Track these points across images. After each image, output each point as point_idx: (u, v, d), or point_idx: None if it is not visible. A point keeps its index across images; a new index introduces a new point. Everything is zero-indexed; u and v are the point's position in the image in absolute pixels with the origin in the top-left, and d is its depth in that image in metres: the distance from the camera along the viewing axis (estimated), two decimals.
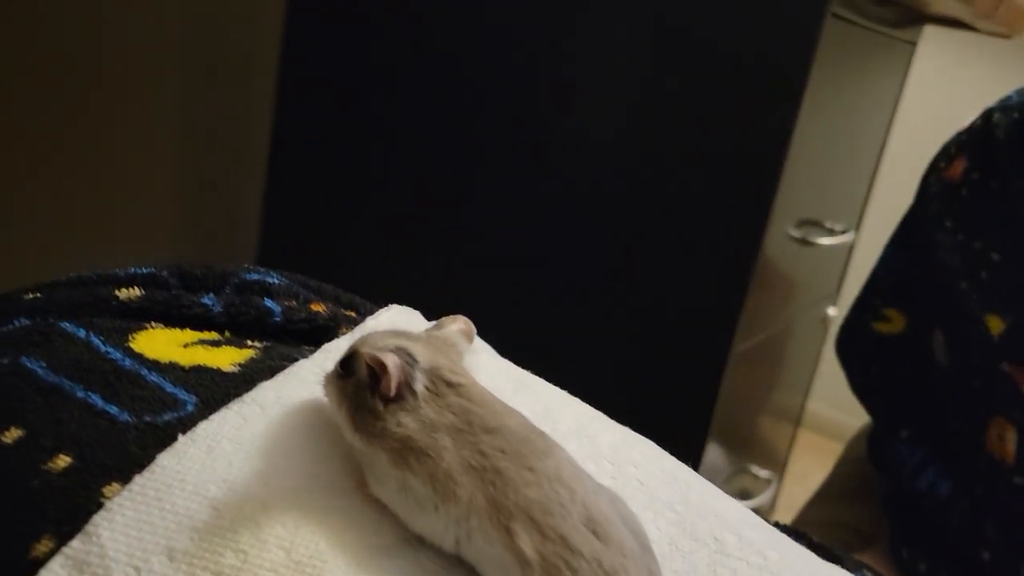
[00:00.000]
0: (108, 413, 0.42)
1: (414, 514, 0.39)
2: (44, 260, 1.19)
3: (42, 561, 0.37)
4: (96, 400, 0.42)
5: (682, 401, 1.15)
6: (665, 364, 1.15)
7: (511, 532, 0.37)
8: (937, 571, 0.81)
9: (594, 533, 0.37)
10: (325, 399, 0.42)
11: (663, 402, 1.14)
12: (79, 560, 0.37)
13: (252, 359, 0.47)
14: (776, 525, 0.76)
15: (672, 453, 0.51)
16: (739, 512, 0.49)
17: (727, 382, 1.13)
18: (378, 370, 0.39)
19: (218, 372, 0.45)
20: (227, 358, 0.47)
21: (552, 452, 0.40)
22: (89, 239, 1.25)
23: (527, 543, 0.37)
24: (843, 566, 0.76)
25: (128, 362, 0.44)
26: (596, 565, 0.37)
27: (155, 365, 0.45)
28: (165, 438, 0.41)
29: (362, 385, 0.40)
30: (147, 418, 0.42)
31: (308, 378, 0.46)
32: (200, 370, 0.45)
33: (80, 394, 0.42)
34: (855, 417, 0.98)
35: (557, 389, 0.53)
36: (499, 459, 0.38)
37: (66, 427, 0.41)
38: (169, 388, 0.44)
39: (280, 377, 0.46)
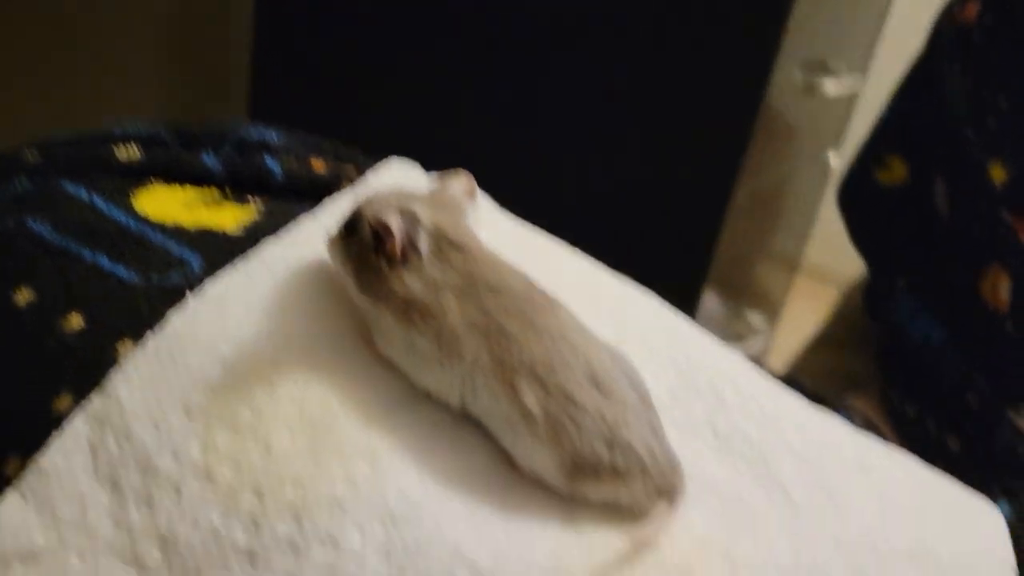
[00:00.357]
0: (116, 274, 0.42)
1: (420, 371, 0.40)
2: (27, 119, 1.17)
3: (64, 416, 0.38)
4: (103, 262, 0.42)
5: (681, 247, 1.16)
6: (665, 210, 1.15)
7: (516, 388, 0.38)
8: (925, 416, 0.84)
9: (597, 388, 0.38)
10: (329, 259, 0.43)
11: (663, 247, 1.15)
12: (100, 417, 0.38)
13: (256, 223, 0.47)
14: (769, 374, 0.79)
15: (670, 299, 0.52)
16: (738, 365, 0.50)
17: (727, 229, 1.13)
18: (382, 232, 0.40)
19: (224, 235, 0.45)
20: (231, 218, 0.47)
21: (555, 310, 0.40)
22: (71, 93, 1.23)
23: (531, 399, 0.38)
24: (832, 408, 0.78)
25: (133, 224, 0.45)
26: (599, 418, 0.38)
27: (160, 227, 0.45)
28: (173, 297, 0.42)
29: (366, 246, 0.40)
30: (155, 279, 0.42)
31: (311, 238, 0.46)
32: (205, 232, 0.45)
33: (87, 256, 0.42)
34: (853, 265, 0.99)
35: (559, 244, 0.53)
36: (503, 317, 0.39)
37: (76, 287, 0.41)
38: (175, 250, 0.44)
39: (283, 234, 0.46)
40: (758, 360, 1.33)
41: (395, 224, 0.39)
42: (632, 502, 0.39)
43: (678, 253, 1.15)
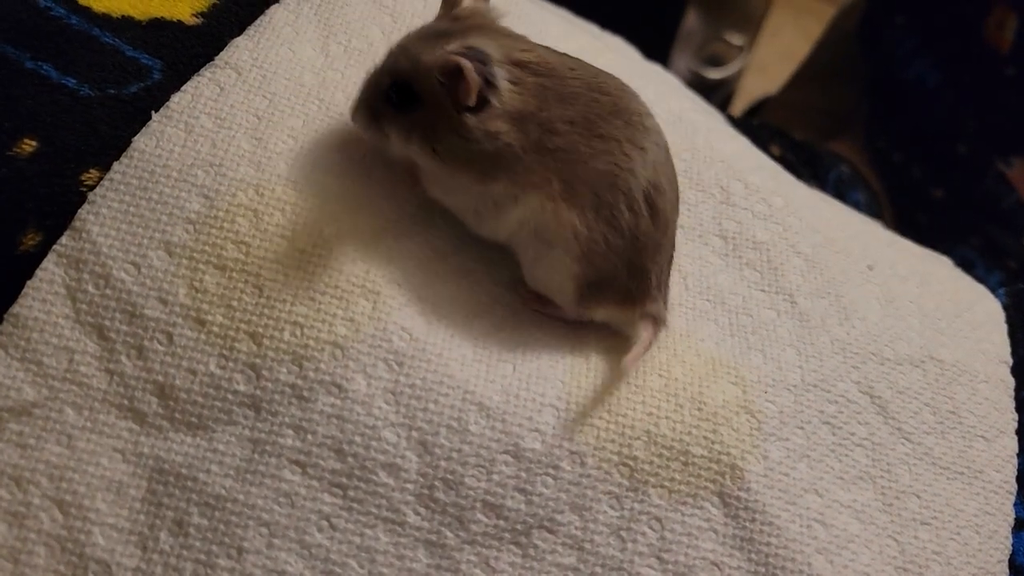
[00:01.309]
0: (66, 87, 0.37)
1: (487, 218, 0.37)
2: None
3: (34, 257, 0.35)
4: (49, 71, 0.37)
5: None
6: None
7: (574, 210, 0.36)
8: (911, 163, 0.82)
9: (648, 205, 0.36)
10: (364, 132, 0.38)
11: None
12: (74, 258, 0.35)
13: (214, 6, 0.41)
14: (761, 126, 0.76)
15: (654, 18, 0.48)
16: (744, 155, 0.48)
17: None
18: (457, 77, 0.34)
19: (180, 26, 0.40)
20: (185, 4, 0.41)
21: (625, 109, 0.37)
22: None
23: (586, 217, 0.36)
24: (822, 163, 0.77)
25: (75, 20, 0.39)
26: (631, 243, 0.36)
27: (107, 22, 0.39)
28: (135, 113, 0.37)
29: (436, 106, 0.35)
30: (111, 90, 0.37)
31: (285, 31, 0.41)
32: (159, 25, 0.40)
33: (29, 64, 0.37)
34: None
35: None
36: (570, 133, 0.36)
37: (22, 104, 0.36)
38: (129, 52, 0.38)
39: (252, 32, 0.40)
40: (733, 82, 1.28)
41: (468, 65, 0.34)
42: (623, 324, 0.38)
43: None
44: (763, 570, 0.34)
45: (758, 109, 1.13)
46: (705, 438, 0.36)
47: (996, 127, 0.79)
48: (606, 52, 0.49)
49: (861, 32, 0.90)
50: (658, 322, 0.37)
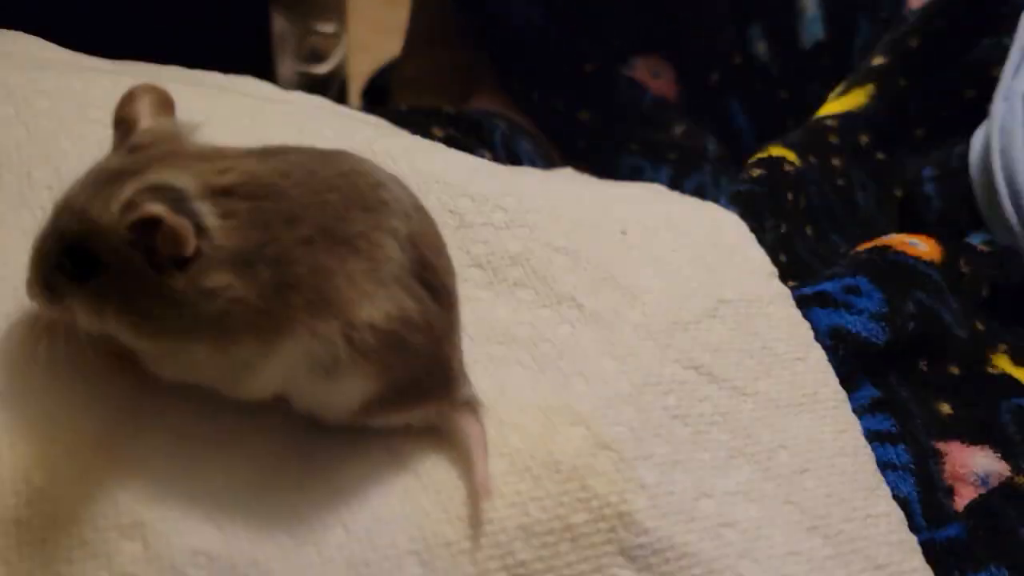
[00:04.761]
0: None
1: (243, 381, 0.30)
2: None
3: None
4: None
5: None
6: None
7: (342, 330, 0.29)
8: (549, 97, 0.82)
9: (424, 285, 0.30)
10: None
11: None
12: None
13: None
14: (412, 111, 0.71)
15: (239, 27, 0.43)
16: (452, 164, 0.43)
17: None
18: (150, 233, 0.26)
19: None
20: None
21: (351, 201, 0.30)
22: None
23: (360, 335, 0.29)
24: (483, 127, 0.74)
25: None
26: (427, 338, 0.30)
27: None
28: None
29: (126, 271, 0.27)
30: None
31: None
32: None
33: None
34: None
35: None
36: (311, 254, 0.29)
37: None
38: None
39: None
40: (340, 69, 1.23)
41: (165, 212, 0.26)
42: (430, 420, 0.32)
43: None
44: None
45: (380, 87, 1.10)
46: (579, 500, 0.32)
47: (606, 39, 0.81)
48: (271, 106, 0.42)
49: None
50: (474, 406, 0.32)
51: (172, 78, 0.43)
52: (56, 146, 0.36)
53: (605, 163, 0.75)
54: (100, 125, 0.37)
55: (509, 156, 0.72)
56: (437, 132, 0.66)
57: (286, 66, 1.06)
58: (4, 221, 0.33)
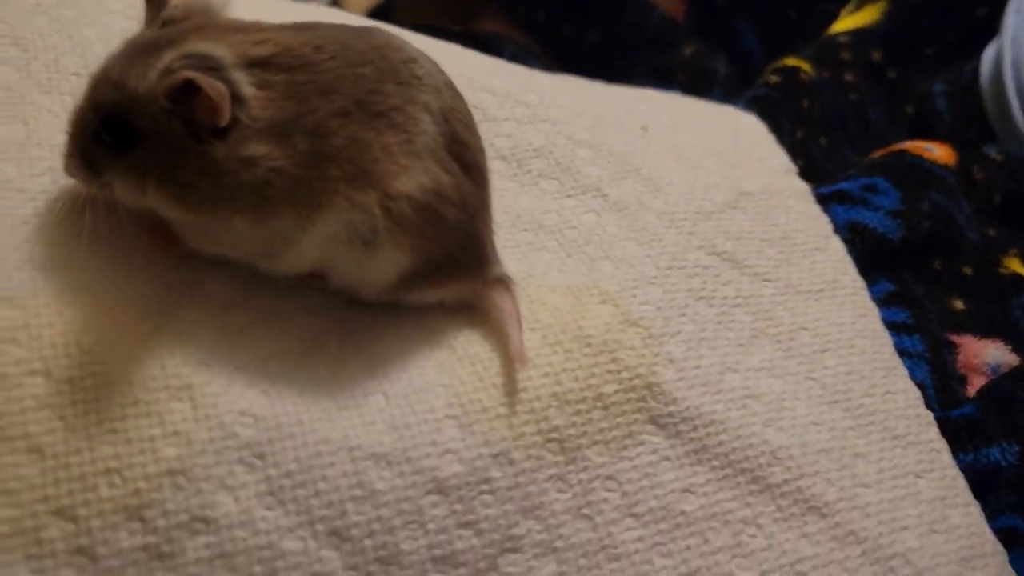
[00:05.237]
0: None
1: (281, 256, 0.30)
2: None
3: None
4: None
5: None
6: None
7: (382, 203, 0.29)
8: (556, 20, 0.82)
9: (458, 161, 0.31)
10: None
11: None
12: None
13: None
14: (418, 28, 0.71)
15: None
16: (473, 63, 0.43)
17: None
18: (189, 99, 0.27)
19: None
20: None
21: (384, 74, 0.30)
22: None
23: (398, 206, 0.30)
24: (495, 47, 0.74)
25: None
26: (460, 213, 0.31)
27: None
28: None
29: (166, 140, 0.27)
30: None
31: None
32: None
33: None
34: None
35: None
36: (347, 126, 0.29)
37: None
38: None
39: None
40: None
41: (205, 80, 0.26)
42: (464, 298, 0.33)
43: None
44: (731, 471, 0.32)
45: (383, 11, 1.09)
46: (609, 372, 0.32)
47: None
48: (290, 5, 0.42)
49: None
50: (507, 283, 0.33)
51: None
52: (80, 34, 0.36)
53: (612, 82, 0.75)
54: (120, 16, 0.37)
55: None
56: None
57: None
58: (36, 104, 0.33)
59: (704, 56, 0.77)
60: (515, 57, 0.73)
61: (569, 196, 0.38)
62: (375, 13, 1.12)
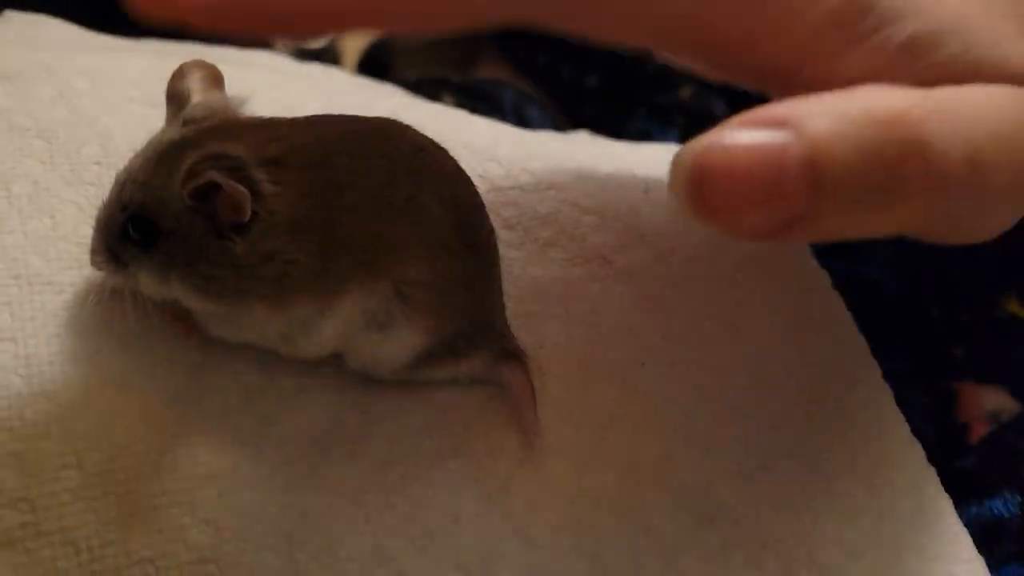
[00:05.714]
0: None
1: (300, 341, 0.31)
2: None
3: None
4: None
5: None
6: None
7: (395, 286, 0.31)
8: (556, 63, 0.83)
9: (465, 244, 0.32)
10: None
11: None
12: None
13: None
14: (421, 82, 0.72)
15: None
16: (478, 129, 0.44)
17: None
18: (212, 198, 0.28)
19: None
20: None
21: (394, 167, 0.31)
22: None
23: (410, 291, 0.31)
24: (494, 94, 0.75)
25: None
26: (468, 290, 0.32)
27: None
28: None
29: (189, 237, 0.29)
30: None
31: None
32: None
33: None
34: None
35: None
36: (358, 220, 0.30)
37: None
38: None
39: None
40: (336, 43, 1.24)
41: (221, 177, 0.28)
42: (475, 375, 0.34)
43: None
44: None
45: (376, 60, 1.10)
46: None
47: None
48: (296, 79, 0.43)
49: None
50: (519, 356, 0.34)
51: (193, 54, 0.45)
52: (100, 123, 0.37)
53: (613, 128, 0.76)
54: (139, 104, 0.39)
55: (520, 123, 0.72)
56: (448, 101, 0.67)
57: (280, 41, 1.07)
58: (61, 196, 0.34)
59: (702, 97, 0.78)
60: (516, 104, 0.74)
61: (576, 265, 0.39)
62: (373, 61, 1.12)
